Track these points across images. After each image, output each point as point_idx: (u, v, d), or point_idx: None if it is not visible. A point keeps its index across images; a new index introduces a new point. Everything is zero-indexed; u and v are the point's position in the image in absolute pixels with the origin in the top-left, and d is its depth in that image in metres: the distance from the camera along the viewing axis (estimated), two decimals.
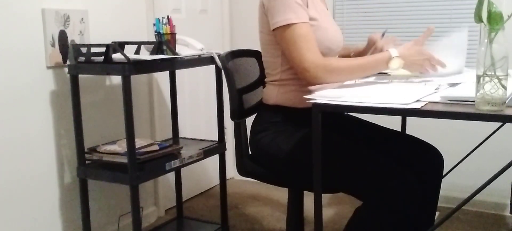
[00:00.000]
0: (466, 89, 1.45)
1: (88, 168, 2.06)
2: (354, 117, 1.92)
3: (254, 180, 1.88)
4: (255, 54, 2.02)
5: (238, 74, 1.93)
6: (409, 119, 2.14)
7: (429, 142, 1.81)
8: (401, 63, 1.60)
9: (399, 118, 2.08)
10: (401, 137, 1.86)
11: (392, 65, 1.60)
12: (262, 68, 1.94)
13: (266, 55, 1.78)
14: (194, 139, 2.52)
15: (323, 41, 1.67)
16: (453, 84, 1.57)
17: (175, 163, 2.10)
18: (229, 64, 1.86)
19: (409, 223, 1.55)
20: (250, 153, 1.89)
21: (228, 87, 1.85)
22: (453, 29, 1.81)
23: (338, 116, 1.83)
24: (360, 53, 1.96)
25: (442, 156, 1.78)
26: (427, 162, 1.75)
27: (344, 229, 1.60)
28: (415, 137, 1.82)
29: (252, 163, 1.86)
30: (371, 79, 1.71)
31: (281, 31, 1.62)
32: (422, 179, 1.70)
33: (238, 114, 1.87)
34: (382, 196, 1.50)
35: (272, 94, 1.77)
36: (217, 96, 2.35)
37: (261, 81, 1.98)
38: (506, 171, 1.30)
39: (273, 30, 1.64)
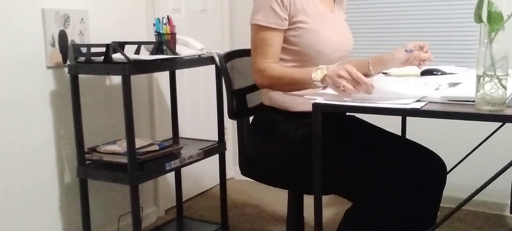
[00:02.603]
0: (466, 89, 1.45)
1: (88, 168, 2.06)
2: (355, 117, 1.91)
3: (254, 180, 1.88)
4: None
5: (239, 74, 1.93)
6: (409, 119, 2.14)
7: (429, 143, 1.80)
8: (323, 73, 1.46)
9: (399, 118, 2.08)
10: (404, 142, 1.83)
11: (315, 76, 1.48)
12: None
13: None
14: (194, 139, 2.52)
15: (312, 44, 1.66)
16: (453, 84, 1.57)
17: (175, 163, 2.10)
18: (230, 64, 1.87)
19: (401, 227, 1.54)
20: (246, 153, 1.89)
21: (225, 87, 1.86)
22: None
23: (337, 117, 1.83)
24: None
25: (444, 164, 1.75)
26: (429, 170, 1.72)
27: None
28: (418, 144, 1.79)
29: (248, 163, 1.86)
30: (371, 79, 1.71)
31: (251, 30, 1.68)
32: (423, 187, 1.69)
33: (236, 114, 1.88)
34: (372, 199, 1.49)
35: (267, 95, 1.77)
36: (217, 96, 2.35)
37: None
38: (506, 171, 1.30)
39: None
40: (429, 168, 1.73)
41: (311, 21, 1.67)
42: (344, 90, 1.38)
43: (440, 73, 1.78)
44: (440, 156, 1.77)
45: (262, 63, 1.63)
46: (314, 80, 1.48)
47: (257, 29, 1.65)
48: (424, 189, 1.71)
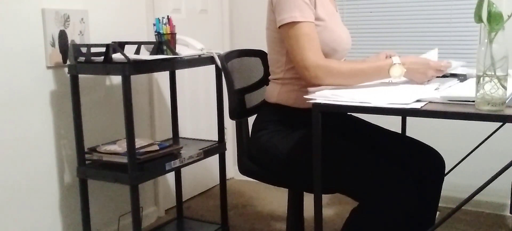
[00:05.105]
0: (466, 89, 1.45)
1: (88, 168, 2.06)
2: (355, 117, 1.92)
3: (254, 180, 1.88)
4: (260, 54, 2.03)
5: (240, 74, 1.93)
6: (409, 119, 2.14)
7: (429, 142, 1.80)
8: (403, 70, 1.57)
9: (399, 118, 2.08)
10: (403, 139, 1.85)
11: (393, 72, 1.57)
12: (266, 68, 1.94)
13: (271, 53, 1.78)
14: (194, 139, 2.52)
15: (328, 42, 1.67)
16: (455, 75, 1.57)
17: (175, 163, 2.10)
18: (228, 64, 1.87)
19: (406, 226, 1.55)
20: (249, 151, 1.89)
21: (227, 87, 1.86)
22: (425, 51, 1.80)
23: (338, 116, 1.83)
24: None
25: (443, 160, 1.77)
26: (429, 165, 1.74)
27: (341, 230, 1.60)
28: (417, 140, 1.81)
29: (251, 162, 1.86)
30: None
31: (286, 29, 1.62)
32: (423, 183, 1.70)
33: (238, 114, 1.88)
34: (378, 198, 1.49)
35: (274, 92, 1.77)
36: (217, 96, 2.35)
37: (265, 81, 1.98)
38: (506, 171, 1.30)
39: (279, 27, 1.65)
40: (429, 164, 1.75)
41: (327, 19, 1.68)
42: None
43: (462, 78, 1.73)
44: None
45: (318, 59, 1.58)
46: (392, 77, 1.58)
47: (296, 26, 1.60)
48: (425, 185, 1.71)
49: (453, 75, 1.70)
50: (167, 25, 2.18)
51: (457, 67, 1.75)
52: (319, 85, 1.58)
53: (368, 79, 1.61)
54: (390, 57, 1.63)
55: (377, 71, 1.59)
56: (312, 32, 1.61)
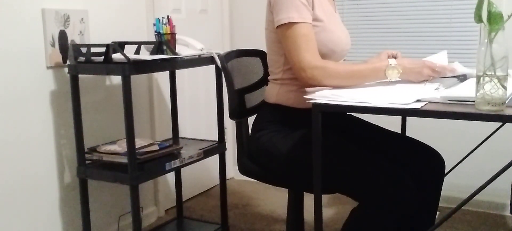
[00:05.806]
0: (466, 89, 1.45)
1: (88, 168, 2.06)
2: (354, 117, 1.92)
3: (254, 180, 1.88)
4: (260, 54, 2.03)
5: (240, 74, 1.93)
6: (409, 119, 2.14)
7: (429, 142, 1.80)
8: (399, 72, 1.57)
9: (399, 118, 2.08)
10: (403, 139, 1.85)
11: (390, 74, 1.57)
12: (266, 68, 1.94)
13: (270, 53, 1.78)
14: (194, 139, 2.52)
15: (326, 43, 1.67)
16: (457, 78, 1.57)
17: (175, 163, 2.10)
18: (228, 64, 1.87)
19: (406, 226, 1.55)
20: (249, 151, 1.89)
21: (227, 87, 1.86)
22: (433, 52, 1.79)
23: (338, 116, 1.83)
24: None
25: (443, 160, 1.77)
26: (429, 165, 1.74)
27: (341, 230, 1.60)
28: (417, 140, 1.81)
29: (251, 162, 1.86)
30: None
31: (283, 29, 1.62)
32: (423, 183, 1.70)
33: (238, 114, 1.88)
34: (378, 198, 1.49)
35: (273, 92, 1.77)
36: (217, 96, 2.35)
37: (265, 81, 1.98)
38: (506, 171, 1.30)
39: (277, 28, 1.65)
40: (429, 164, 1.75)
41: (325, 19, 1.68)
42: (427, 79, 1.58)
43: (462, 78, 1.73)
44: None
45: (315, 60, 1.58)
46: (389, 79, 1.57)
47: (293, 27, 1.60)
48: (425, 185, 1.71)
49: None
50: (167, 25, 2.18)
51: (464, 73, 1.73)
52: (316, 86, 1.58)
53: (365, 80, 1.61)
54: (393, 56, 1.63)
55: (374, 73, 1.59)
56: (309, 33, 1.61)
